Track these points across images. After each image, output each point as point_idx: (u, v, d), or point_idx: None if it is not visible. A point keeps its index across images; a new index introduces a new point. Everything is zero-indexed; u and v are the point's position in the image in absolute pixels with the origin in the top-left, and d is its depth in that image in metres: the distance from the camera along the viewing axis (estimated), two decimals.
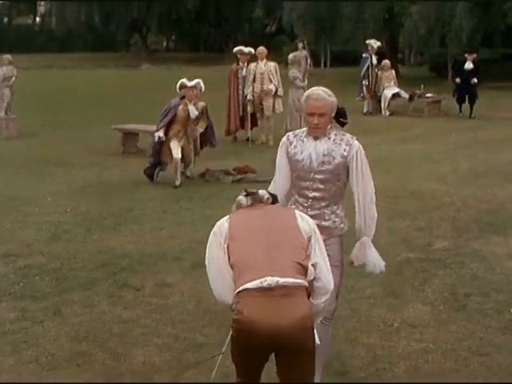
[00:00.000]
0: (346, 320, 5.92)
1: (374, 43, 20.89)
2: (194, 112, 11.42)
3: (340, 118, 4.88)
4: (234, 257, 3.94)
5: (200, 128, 11.88)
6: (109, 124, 15.50)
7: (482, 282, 6.88)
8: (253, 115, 15.92)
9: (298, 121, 12.78)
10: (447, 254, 7.78)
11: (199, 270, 7.16)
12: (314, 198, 4.81)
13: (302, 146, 4.82)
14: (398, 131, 17.53)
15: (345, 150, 4.74)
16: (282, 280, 3.75)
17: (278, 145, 5.06)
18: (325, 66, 37.11)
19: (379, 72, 21.21)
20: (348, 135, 4.84)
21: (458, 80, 20.25)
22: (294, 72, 12.11)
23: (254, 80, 15.45)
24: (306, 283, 3.88)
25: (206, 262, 4.12)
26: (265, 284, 3.75)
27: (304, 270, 3.92)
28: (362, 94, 21.08)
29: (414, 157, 13.83)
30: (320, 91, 4.77)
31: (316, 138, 4.78)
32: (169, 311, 6.22)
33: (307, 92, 4.88)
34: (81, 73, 36.50)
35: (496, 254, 7.77)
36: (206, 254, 4.12)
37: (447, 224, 8.99)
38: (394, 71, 22.02)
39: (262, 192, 4.32)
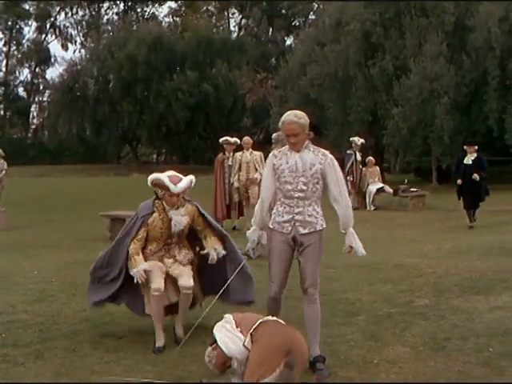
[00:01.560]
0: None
1: (358, 140, 21.43)
2: (179, 222, 6.73)
3: (317, 132, 6.14)
4: (241, 323, 5.36)
5: (214, 252, 6.82)
6: (96, 216, 15.73)
7: (461, 329, 6.94)
8: (239, 204, 16.18)
9: None
10: (428, 308, 7.85)
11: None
12: (298, 198, 5.88)
13: (287, 158, 5.93)
14: (383, 221, 17.79)
15: (321, 159, 5.90)
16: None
17: None
18: None
19: (364, 168, 21.70)
20: (322, 149, 5.95)
21: (459, 181, 15.95)
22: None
23: (239, 169, 15.79)
24: None
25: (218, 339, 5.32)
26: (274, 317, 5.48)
27: None
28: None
29: (398, 239, 14.05)
30: (291, 116, 5.86)
31: (298, 151, 5.90)
32: (151, 353, 6.25)
33: (282, 117, 5.86)
34: (71, 179, 36.97)
35: (476, 308, 7.84)
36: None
37: (429, 287, 9.07)
38: (378, 168, 22.48)
39: None
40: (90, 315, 7.66)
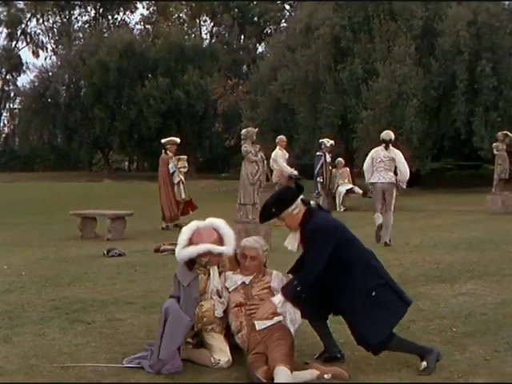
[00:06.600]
0: None
1: (328, 142, 21.55)
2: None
3: None
4: None
5: None
6: (67, 218, 15.80)
7: (426, 313, 7.10)
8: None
9: (251, 195, 12.92)
10: None
11: (151, 309, 7.29)
12: None
13: None
14: (352, 221, 17.88)
15: None
16: None
17: None
18: None
19: (333, 170, 21.86)
20: None
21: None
22: (246, 146, 12.48)
23: None
24: None
25: None
26: None
27: None
28: (316, 191, 21.55)
29: (365, 236, 14.09)
30: None
31: None
32: (119, 337, 6.32)
33: None
34: (42, 185, 36.74)
35: (441, 294, 8.02)
36: None
37: (394, 277, 8.78)
38: (347, 169, 22.67)
39: None
40: (60, 304, 7.70)
